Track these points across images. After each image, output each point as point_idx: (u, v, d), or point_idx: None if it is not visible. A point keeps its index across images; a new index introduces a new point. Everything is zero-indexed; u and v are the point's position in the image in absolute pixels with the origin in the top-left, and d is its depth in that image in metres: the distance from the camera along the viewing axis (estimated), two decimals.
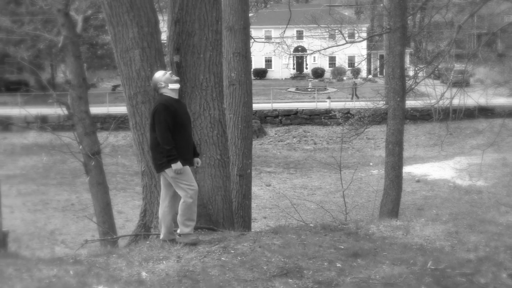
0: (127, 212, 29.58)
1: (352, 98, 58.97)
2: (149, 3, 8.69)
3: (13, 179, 37.48)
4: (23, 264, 6.51)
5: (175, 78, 7.72)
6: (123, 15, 8.46)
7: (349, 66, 71.24)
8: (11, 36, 49.03)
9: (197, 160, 7.97)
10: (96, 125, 19.58)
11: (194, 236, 7.65)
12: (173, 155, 7.40)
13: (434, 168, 38.56)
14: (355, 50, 53.70)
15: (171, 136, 7.44)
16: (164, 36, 9.47)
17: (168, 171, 7.51)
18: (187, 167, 7.58)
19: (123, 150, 45.04)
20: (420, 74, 28.85)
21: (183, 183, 7.50)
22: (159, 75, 7.75)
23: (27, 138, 46.06)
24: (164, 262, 6.85)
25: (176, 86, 7.71)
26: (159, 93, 7.73)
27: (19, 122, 44.91)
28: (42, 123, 42.28)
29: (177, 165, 7.41)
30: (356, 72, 69.26)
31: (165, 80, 7.64)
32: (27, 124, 44.36)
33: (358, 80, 62.16)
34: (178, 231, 7.67)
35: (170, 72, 7.80)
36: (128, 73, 8.61)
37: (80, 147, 17.72)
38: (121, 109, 44.64)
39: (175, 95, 7.74)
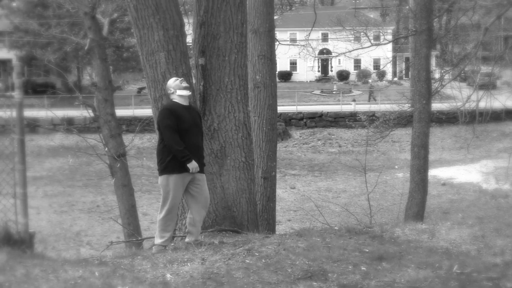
0: (152, 214, 29.67)
1: (369, 101, 58.85)
2: (175, 6, 8.73)
3: (39, 180, 37.81)
4: (49, 265, 6.55)
5: (184, 85, 7.64)
6: (148, 18, 8.51)
7: (374, 69, 70.95)
8: (39, 39, 49.63)
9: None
10: (121, 127, 19.68)
11: (160, 248, 7.68)
12: (186, 155, 7.42)
13: (460, 172, 38.24)
14: (380, 53, 53.48)
15: (178, 137, 7.44)
16: (189, 39, 9.51)
17: (160, 179, 7.61)
18: (179, 181, 7.56)
19: (148, 152, 45.20)
20: (446, 76, 28.65)
21: (167, 196, 7.58)
22: (170, 81, 7.76)
23: (54, 140, 46.38)
24: (188, 264, 6.86)
25: (184, 92, 7.63)
26: (169, 99, 7.77)
27: (45, 124, 45.34)
28: (68, 125, 42.59)
29: (192, 164, 7.45)
30: (381, 74, 68.97)
31: (174, 86, 7.62)
32: (54, 126, 44.82)
33: (375, 83, 61.95)
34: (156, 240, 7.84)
35: (181, 79, 7.74)
36: (153, 75, 8.66)
37: (106, 149, 17.80)
38: (146, 111, 44.75)
39: (184, 102, 7.66)
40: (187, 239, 7.84)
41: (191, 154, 7.47)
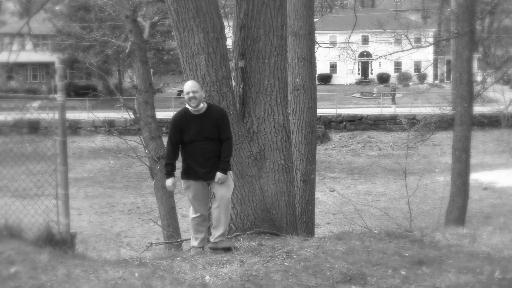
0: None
1: (393, 102, 58.48)
2: (215, 9, 8.76)
3: (81, 181, 38.28)
4: (90, 266, 6.63)
5: (193, 104, 7.43)
6: (189, 21, 8.55)
7: (415, 71, 70.34)
8: (81, 42, 50.30)
9: (218, 175, 7.54)
10: (161, 130, 19.80)
11: (197, 250, 7.77)
12: (167, 171, 7.68)
13: (502, 176, 37.70)
14: (421, 55, 52.93)
15: (174, 150, 7.62)
16: (229, 42, 9.54)
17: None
18: (191, 188, 7.72)
19: None
20: (489, 79, 28.28)
21: (189, 199, 7.85)
22: (185, 87, 7.58)
23: (95, 142, 46.99)
24: (227, 266, 6.88)
25: (190, 108, 7.49)
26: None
27: (87, 126, 45.91)
28: (109, 127, 42.97)
29: (167, 182, 7.72)
30: (422, 77, 68.35)
31: (186, 97, 7.48)
32: (95, 128, 45.36)
33: (416, 86, 61.48)
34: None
35: (191, 95, 7.47)
36: (193, 78, 8.69)
37: (146, 151, 17.95)
38: None
39: (194, 112, 7.53)
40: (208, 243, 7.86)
41: (193, 163, 7.54)
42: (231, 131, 7.81)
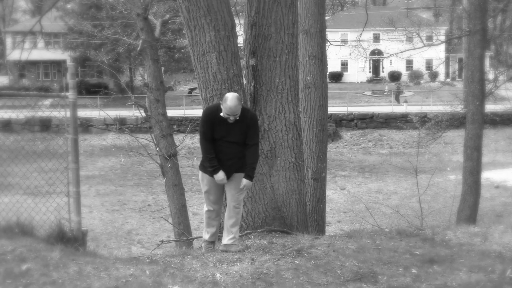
0: (202, 213, 29.77)
1: (398, 102, 58.48)
2: (226, 7, 8.76)
3: (92, 179, 38.41)
4: (101, 263, 6.65)
5: (231, 118, 7.26)
6: (200, 19, 8.55)
7: (426, 69, 70.20)
8: (92, 40, 50.43)
9: (243, 181, 7.51)
10: (172, 128, 19.84)
11: (208, 246, 7.78)
12: (214, 165, 7.42)
13: None
14: (433, 53, 52.92)
15: (210, 144, 7.40)
16: (240, 40, 9.54)
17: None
18: (206, 181, 7.63)
19: (199, 153, 45.32)
20: (501, 77, 28.20)
21: (203, 191, 7.73)
22: (228, 99, 7.22)
23: (106, 140, 47.10)
24: (238, 264, 6.88)
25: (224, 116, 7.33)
26: (219, 102, 7.47)
27: (98, 124, 46.03)
28: (121, 125, 43.14)
29: (218, 176, 7.42)
30: (433, 75, 68.19)
31: (223, 106, 7.22)
32: (106, 126, 45.46)
33: (427, 84, 61.51)
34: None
35: (232, 117, 7.29)
36: (204, 76, 8.70)
37: (157, 149, 17.97)
38: (197, 112, 45.07)
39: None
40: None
41: (219, 163, 7.42)
42: (259, 138, 7.75)
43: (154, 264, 6.90)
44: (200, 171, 7.69)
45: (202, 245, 7.87)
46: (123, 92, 35.75)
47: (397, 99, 60.16)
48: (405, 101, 55.53)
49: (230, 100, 7.16)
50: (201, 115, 7.59)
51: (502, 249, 7.64)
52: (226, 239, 7.59)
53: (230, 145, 7.41)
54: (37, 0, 62.57)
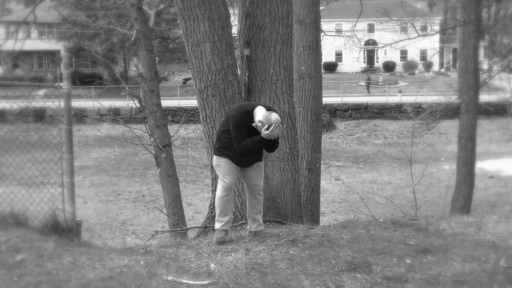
0: (196, 204, 29.91)
1: (368, 92, 58.68)
2: None
3: (86, 170, 38.38)
4: (96, 253, 6.65)
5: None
6: (194, 9, 8.53)
7: (421, 60, 70.23)
8: (86, 31, 50.24)
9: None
10: (167, 118, 19.81)
11: (220, 234, 7.43)
12: (256, 138, 7.19)
13: (508, 164, 37.67)
14: (427, 43, 52.84)
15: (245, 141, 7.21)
16: (234, 30, 9.52)
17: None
18: (224, 163, 7.34)
19: (193, 143, 45.52)
20: (495, 67, 28.22)
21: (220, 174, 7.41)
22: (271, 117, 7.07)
23: (100, 130, 47.05)
24: (232, 254, 6.89)
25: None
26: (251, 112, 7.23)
27: (92, 114, 45.98)
28: (115, 115, 43.13)
29: (264, 131, 7.06)
30: (428, 65, 68.25)
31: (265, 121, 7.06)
32: (100, 116, 45.39)
33: (421, 74, 61.62)
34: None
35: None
36: (199, 66, 8.68)
37: (151, 139, 17.96)
38: (191, 102, 45.16)
39: None
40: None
41: (243, 158, 7.34)
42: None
43: (148, 254, 6.91)
44: (217, 157, 7.36)
45: (216, 235, 7.48)
46: (117, 83, 35.69)
47: (368, 89, 60.46)
48: (399, 91, 55.55)
49: (275, 116, 7.06)
50: (232, 120, 7.21)
51: (496, 239, 7.67)
52: (253, 227, 7.61)
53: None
54: None
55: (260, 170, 7.57)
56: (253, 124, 7.08)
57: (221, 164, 7.36)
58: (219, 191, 7.37)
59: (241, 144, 7.11)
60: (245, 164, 7.43)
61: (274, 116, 7.05)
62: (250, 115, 7.14)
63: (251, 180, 7.51)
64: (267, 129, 6.99)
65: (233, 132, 7.14)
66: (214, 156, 7.46)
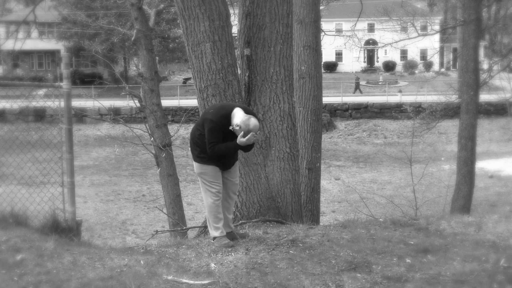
0: (196, 203, 29.90)
1: (354, 93, 58.58)
2: None
3: (86, 169, 38.38)
4: (96, 253, 6.65)
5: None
6: (194, 9, 8.53)
7: (421, 59, 70.19)
8: (86, 30, 50.25)
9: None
10: (167, 118, 19.83)
11: (224, 240, 7.25)
12: (231, 144, 7.09)
13: (508, 164, 37.66)
14: (427, 43, 52.78)
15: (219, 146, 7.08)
16: (235, 30, 9.52)
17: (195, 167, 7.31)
18: (209, 170, 7.17)
19: None
20: (495, 67, 28.19)
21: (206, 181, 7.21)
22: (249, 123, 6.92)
23: (100, 130, 47.04)
24: (232, 254, 6.89)
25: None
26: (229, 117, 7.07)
27: (93, 114, 46.00)
28: (115, 115, 43.05)
29: (240, 138, 6.92)
30: (428, 65, 68.23)
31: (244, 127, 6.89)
32: (101, 116, 45.40)
33: (422, 74, 61.52)
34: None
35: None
36: (199, 66, 8.68)
37: (152, 139, 17.96)
38: (191, 101, 45.14)
39: None
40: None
41: (221, 160, 7.21)
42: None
43: (148, 254, 6.90)
44: (200, 164, 7.18)
45: (217, 242, 7.25)
46: (118, 82, 35.67)
47: (357, 89, 60.36)
48: (400, 91, 55.53)
49: (253, 122, 6.90)
50: (209, 124, 7.04)
51: (496, 238, 7.67)
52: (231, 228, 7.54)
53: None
54: None
55: (237, 169, 7.53)
56: (230, 128, 6.94)
57: (207, 171, 7.18)
58: (209, 200, 7.20)
59: (214, 148, 6.96)
60: (228, 167, 7.31)
61: (253, 122, 6.86)
62: (228, 118, 6.98)
63: (231, 180, 7.41)
64: (244, 136, 6.86)
65: (208, 136, 6.96)
66: (196, 164, 7.25)
